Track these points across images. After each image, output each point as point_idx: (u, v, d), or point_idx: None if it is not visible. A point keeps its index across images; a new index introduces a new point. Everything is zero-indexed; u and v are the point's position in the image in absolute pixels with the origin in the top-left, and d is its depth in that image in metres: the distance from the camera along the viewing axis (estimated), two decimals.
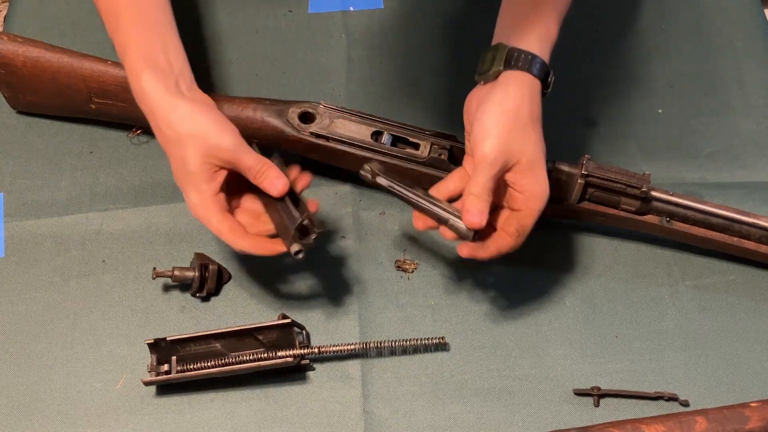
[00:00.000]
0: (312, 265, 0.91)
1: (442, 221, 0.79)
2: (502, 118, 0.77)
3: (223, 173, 0.79)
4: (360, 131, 0.90)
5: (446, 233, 0.79)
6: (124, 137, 0.99)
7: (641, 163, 0.99)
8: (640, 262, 0.93)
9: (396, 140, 0.90)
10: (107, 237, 0.93)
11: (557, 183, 0.88)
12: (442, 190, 0.82)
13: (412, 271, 0.92)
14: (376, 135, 0.90)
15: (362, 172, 0.81)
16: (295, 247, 0.77)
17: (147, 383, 0.82)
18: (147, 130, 0.98)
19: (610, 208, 0.89)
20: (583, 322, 0.89)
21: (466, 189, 0.77)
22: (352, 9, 1.11)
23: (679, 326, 0.89)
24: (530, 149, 0.78)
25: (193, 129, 0.78)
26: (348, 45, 1.07)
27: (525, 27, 0.81)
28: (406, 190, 0.80)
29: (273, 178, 0.79)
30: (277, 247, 0.79)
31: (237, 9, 1.09)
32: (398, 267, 0.92)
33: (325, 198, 0.96)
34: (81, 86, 0.93)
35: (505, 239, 0.79)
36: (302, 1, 1.11)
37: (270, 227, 0.81)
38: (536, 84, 0.80)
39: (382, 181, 0.81)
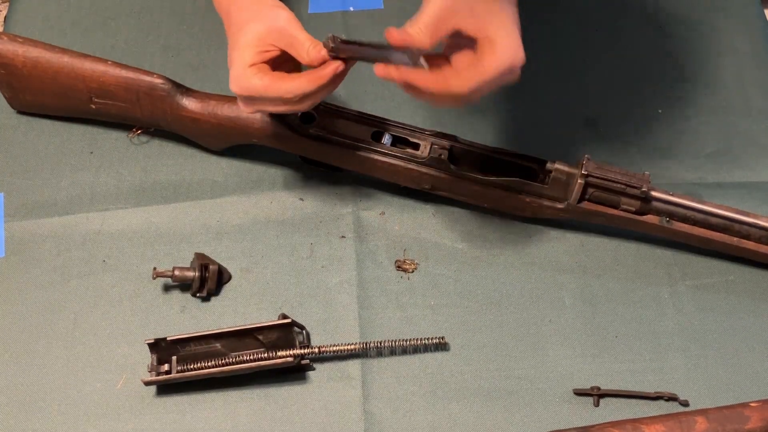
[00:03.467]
0: (312, 265, 0.92)
1: (384, 59, 0.74)
2: None
3: (273, 53, 0.78)
4: (360, 131, 0.90)
5: (384, 70, 0.73)
6: (124, 137, 0.99)
7: (641, 163, 0.99)
8: (640, 262, 0.93)
9: (396, 140, 0.90)
10: (107, 237, 0.93)
11: (557, 183, 0.88)
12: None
13: (412, 271, 0.92)
14: (376, 135, 0.90)
15: (324, 44, 0.75)
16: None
17: (147, 383, 0.82)
18: (147, 130, 0.98)
19: (610, 208, 0.89)
20: (583, 322, 0.89)
21: (407, 23, 0.74)
22: (352, 9, 1.11)
23: (679, 326, 0.89)
24: (500, 14, 0.74)
25: (254, 14, 0.78)
26: None
27: None
28: (370, 48, 0.75)
29: (329, 66, 0.75)
30: (328, 69, 0.75)
31: None
32: (398, 267, 0.92)
33: (325, 198, 0.96)
34: (81, 86, 0.93)
35: (456, 78, 0.73)
36: (302, 1, 1.11)
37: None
38: None
39: (344, 47, 0.75)
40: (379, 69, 0.74)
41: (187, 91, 0.92)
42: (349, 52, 0.76)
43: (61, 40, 1.00)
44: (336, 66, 0.76)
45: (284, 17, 0.78)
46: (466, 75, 0.74)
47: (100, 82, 0.92)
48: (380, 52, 0.75)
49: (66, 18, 1.09)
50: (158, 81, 0.91)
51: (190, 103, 0.91)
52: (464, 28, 0.74)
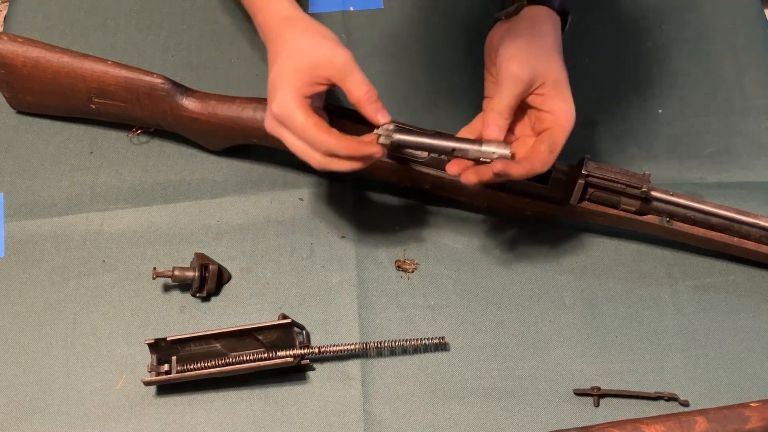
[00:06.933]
0: (312, 265, 0.92)
1: (476, 156, 0.77)
2: (529, 42, 0.79)
3: (322, 88, 0.77)
4: (360, 131, 0.90)
5: (485, 173, 0.77)
6: (124, 137, 0.99)
7: (641, 163, 0.99)
8: (640, 262, 0.93)
9: None
10: (107, 237, 0.93)
11: (557, 183, 0.88)
12: (470, 131, 0.82)
13: (412, 271, 0.92)
14: None
15: (380, 140, 0.76)
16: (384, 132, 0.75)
17: (147, 383, 0.82)
18: (147, 130, 0.98)
19: (610, 208, 0.89)
20: (583, 322, 0.89)
21: (488, 107, 0.78)
22: (352, 9, 1.11)
23: (679, 326, 0.89)
24: (555, 71, 0.79)
25: (316, 43, 0.77)
26: (348, 45, 1.07)
27: None
28: (433, 138, 0.77)
29: (380, 107, 0.76)
30: (367, 147, 0.76)
31: (237, 9, 1.09)
32: (398, 267, 0.92)
33: (325, 198, 0.96)
34: (81, 86, 0.93)
35: (538, 156, 0.78)
36: (302, 1, 1.11)
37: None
38: (557, 18, 0.82)
39: (402, 138, 0.76)
40: (453, 168, 0.78)
41: (187, 91, 0.92)
42: (403, 144, 0.76)
43: (61, 40, 1.00)
44: (376, 150, 0.76)
45: (343, 57, 0.76)
46: (545, 157, 0.78)
47: (100, 82, 0.92)
48: (439, 142, 0.76)
49: (66, 18, 1.09)
50: (158, 81, 0.91)
51: (190, 103, 0.91)
52: (531, 102, 0.80)
